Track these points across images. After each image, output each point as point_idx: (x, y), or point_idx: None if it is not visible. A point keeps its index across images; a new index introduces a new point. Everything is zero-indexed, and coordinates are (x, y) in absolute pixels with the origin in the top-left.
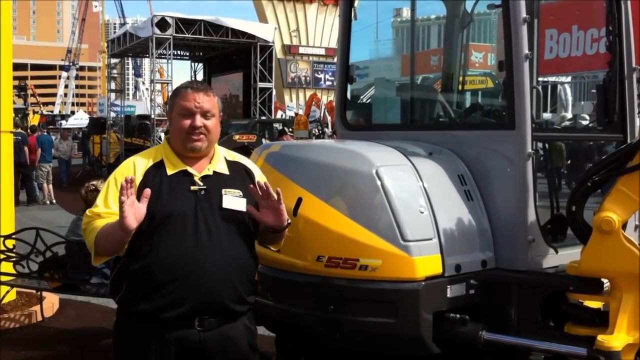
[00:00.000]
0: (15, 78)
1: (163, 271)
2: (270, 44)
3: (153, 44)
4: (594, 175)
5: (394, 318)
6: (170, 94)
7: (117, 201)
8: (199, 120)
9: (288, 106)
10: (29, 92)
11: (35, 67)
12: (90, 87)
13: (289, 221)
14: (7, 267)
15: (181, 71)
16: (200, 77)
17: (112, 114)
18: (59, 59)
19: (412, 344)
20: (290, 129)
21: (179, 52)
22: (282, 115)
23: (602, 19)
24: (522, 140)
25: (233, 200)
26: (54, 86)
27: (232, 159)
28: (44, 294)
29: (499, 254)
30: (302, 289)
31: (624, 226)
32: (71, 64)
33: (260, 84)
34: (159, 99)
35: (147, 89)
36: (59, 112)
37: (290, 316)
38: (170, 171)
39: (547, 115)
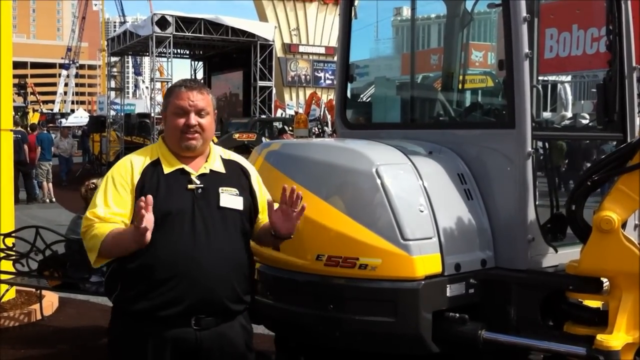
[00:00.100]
0: (15, 76)
1: (160, 270)
2: (270, 42)
3: (153, 43)
4: (594, 175)
5: (394, 317)
6: None
7: (118, 201)
8: (194, 119)
9: (288, 105)
10: (29, 90)
11: (35, 65)
12: (90, 85)
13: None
14: (7, 265)
15: (181, 70)
16: (200, 75)
17: (112, 112)
18: (59, 57)
19: (412, 343)
20: (290, 128)
21: (179, 50)
22: (282, 114)
23: (602, 18)
24: (522, 139)
25: (230, 199)
26: (54, 84)
27: (228, 157)
28: (44, 292)
29: (499, 253)
30: (302, 287)
31: (624, 225)
32: (71, 62)
33: (260, 83)
34: (159, 98)
35: (147, 87)
36: (59, 110)
37: (289, 315)
38: (167, 170)
39: (547, 115)
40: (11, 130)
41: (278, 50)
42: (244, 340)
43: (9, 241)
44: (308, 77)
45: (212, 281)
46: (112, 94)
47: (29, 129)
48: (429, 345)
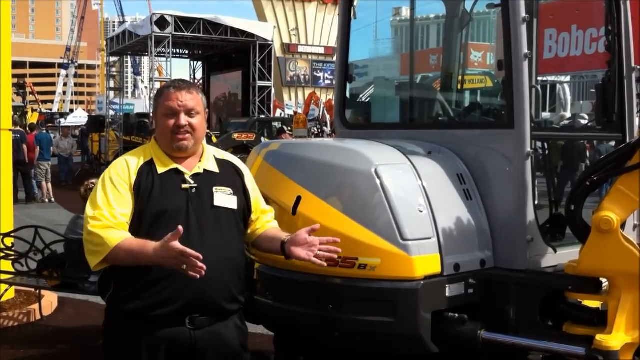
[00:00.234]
0: (14, 76)
1: (154, 269)
2: (270, 42)
3: (152, 43)
4: (593, 175)
5: (393, 317)
6: None
7: (119, 201)
8: (184, 119)
9: (287, 105)
10: (28, 90)
11: (34, 65)
12: (89, 85)
13: None
14: (6, 265)
15: (180, 69)
16: (199, 75)
17: (111, 112)
18: (58, 57)
19: (411, 343)
20: (289, 128)
21: (178, 50)
22: (281, 114)
23: (602, 19)
24: (521, 140)
25: (224, 198)
26: (53, 84)
27: (221, 157)
28: (43, 292)
29: (498, 253)
30: (301, 287)
31: (623, 226)
32: (70, 62)
33: (260, 83)
34: None
35: (146, 87)
36: (58, 110)
37: (289, 315)
38: (161, 170)
39: (546, 115)
40: (10, 130)
41: (277, 50)
42: (238, 340)
43: (8, 241)
44: (307, 77)
45: (206, 280)
46: (111, 93)
47: (28, 128)
48: (428, 346)
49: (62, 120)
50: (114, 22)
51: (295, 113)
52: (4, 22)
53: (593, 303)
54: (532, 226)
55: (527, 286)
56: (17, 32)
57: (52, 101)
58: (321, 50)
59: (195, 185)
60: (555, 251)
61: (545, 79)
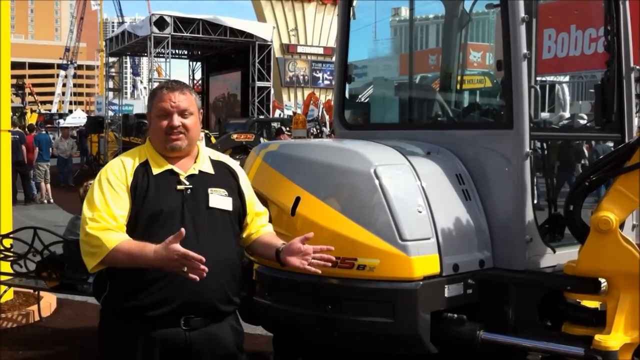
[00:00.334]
0: (13, 77)
1: (150, 270)
2: (269, 43)
3: (151, 43)
4: (592, 175)
5: (392, 318)
6: None
7: (117, 203)
8: (177, 120)
9: (286, 105)
10: (27, 90)
11: (33, 65)
12: (88, 85)
13: None
14: (5, 266)
15: (179, 70)
16: (198, 76)
17: (110, 113)
18: (57, 57)
19: (410, 344)
20: (288, 128)
21: (177, 51)
22: (280, 115)
23: (601, 19)
24: (520, 140)
25: (219, 199)
26: (52, 85)
27: (216, 158)
28: (42, 293)
29: (497, 253)
30: (300, 288)
31: (621, 226)
32: (69, 62)
33: (259, 83)
34: None
35: (145, 87)
36: (57, 110)
37: (287, 316)
38: (156, 171)
39: (545, 115)
40: (9, 131)
41: (276, 51)
42: (234, 341)
43: (7, 242)
44: (306, 77)
45: (202, 282)
46: (110, 94)
47: (26, 129)
48: (427, 346)
49: (61, 121)
50: (113, 22)
51: (294, 113)
52: (3, 22)
53: (592, 303)
54: (531, 226)
55: (526, 286)
56: (16, 32)
57: (51, 102)
58: (320, 51)
59: (191, 186)
60: (554, 251)
61: (544, 79)
